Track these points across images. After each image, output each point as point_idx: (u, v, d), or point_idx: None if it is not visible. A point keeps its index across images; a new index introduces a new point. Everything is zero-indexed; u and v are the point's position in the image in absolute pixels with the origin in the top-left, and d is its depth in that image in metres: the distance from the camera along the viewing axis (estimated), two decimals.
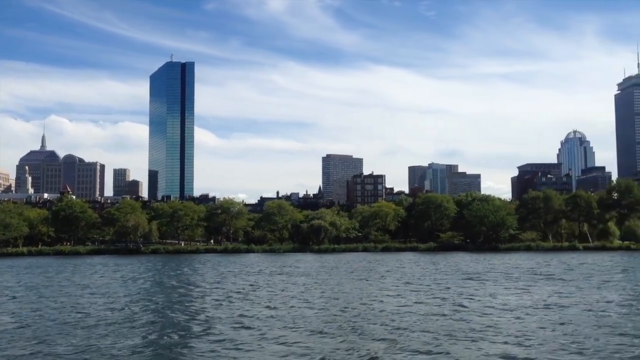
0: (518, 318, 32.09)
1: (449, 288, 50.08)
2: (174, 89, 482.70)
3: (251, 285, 55.31)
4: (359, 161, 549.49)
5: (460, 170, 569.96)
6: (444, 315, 33.77)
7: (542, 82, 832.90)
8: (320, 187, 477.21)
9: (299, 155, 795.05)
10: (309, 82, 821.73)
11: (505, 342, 25.38)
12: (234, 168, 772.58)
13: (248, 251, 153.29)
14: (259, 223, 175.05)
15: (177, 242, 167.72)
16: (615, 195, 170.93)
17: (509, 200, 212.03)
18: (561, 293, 45.12)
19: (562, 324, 30.17)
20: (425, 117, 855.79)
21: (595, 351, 23.49)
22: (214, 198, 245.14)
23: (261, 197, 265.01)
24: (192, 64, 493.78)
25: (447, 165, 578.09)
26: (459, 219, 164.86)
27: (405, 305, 38.05)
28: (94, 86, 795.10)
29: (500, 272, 69.23)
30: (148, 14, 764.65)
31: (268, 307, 38.12)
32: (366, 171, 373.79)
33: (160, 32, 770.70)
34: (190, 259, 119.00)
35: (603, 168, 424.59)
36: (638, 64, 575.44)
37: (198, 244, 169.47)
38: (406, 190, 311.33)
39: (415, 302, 40.00)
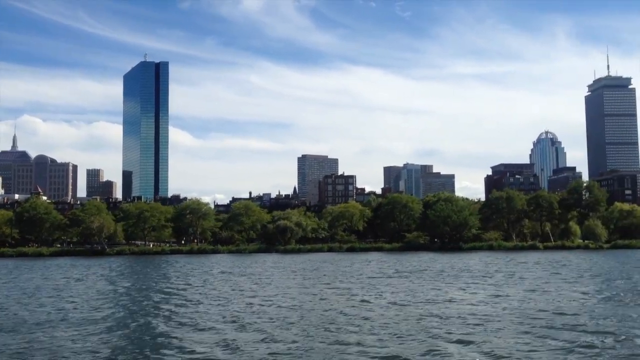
0: (398, 313, 33.52)
1: (373, 285, 52.15)
2: (148, 88, 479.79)
3: (186, 285, 56.12)
4: (335, 161, 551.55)
5: (435, 170, 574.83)
6: (339, 309, 35.87)
7: (516, 83, 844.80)
8: (295, 188, 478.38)
9: (275, 156, 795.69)
10: (285, 83, 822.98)
11: (358, 332, 27.48)
12: (210, 168, 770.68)
13: (214, 252, 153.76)
14: (227, 224, 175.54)
15: (143, 243, 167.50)
16: (575, 195, 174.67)
17: (482, 200, 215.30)
18: (465, 290, 47.40)
19: (441, 317, 31.85)
20: (401, 117, 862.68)
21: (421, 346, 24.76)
22: (185, 199, 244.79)
23: (233, 198, 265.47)
24: (166, 64, 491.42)
25: (421, 165, 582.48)
26: (424, 219, 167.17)
27: (306, 302, 39.63)
28: (67, 86, 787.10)
29: (437, 270, 71.24)
30: (122, 13, 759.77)
31: (184, 304, 39.05)
32: (342, 171, 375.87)
33: (134, 31, 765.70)
34: (150, 260, 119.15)
35: (574, 168, 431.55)
36: (607, 65, 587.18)
37: (164, 245, 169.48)
38: (380, 190, 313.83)
39: (321, 299, 41.92)
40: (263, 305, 38.61)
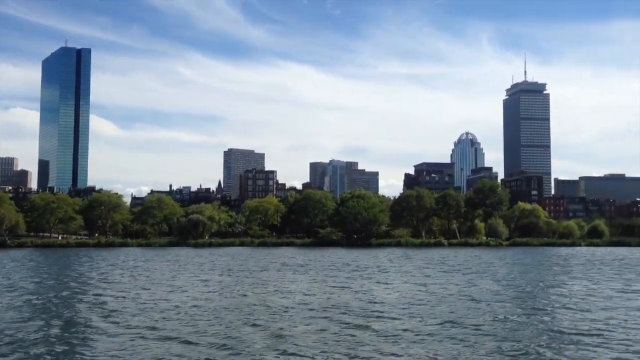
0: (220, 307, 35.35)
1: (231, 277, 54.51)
2: (68, 75, 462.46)
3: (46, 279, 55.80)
4: (261, 156, 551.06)
5: (361, 167, 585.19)
6: (165, 299, 38.29)
7: (442, 85, 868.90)
8: (220, 182, 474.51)
9: (203, 149, 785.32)
10: (216, 75, 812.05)
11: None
12: (136, 160, 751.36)
13: (123, 245, 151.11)
14: (139, 217, 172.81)
15: (49, 235, 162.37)
16: (481, 195, 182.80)
17: None
18: (319, 282, 50.27)
19: (259, 306, 34.35)
20: (331, 114, 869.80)
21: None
22: (100, 190, 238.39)
23: (152, 191, 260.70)
24: (88, 50, 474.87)
25: (347, 162, 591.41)
26: (336, 215, 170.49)
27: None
28: None
29: (324, 265, 73.86)
30: None
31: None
32: (268, 167, 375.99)
33: (56, 14, 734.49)
34: (49, 254, 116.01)
35: (490, 169, 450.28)
36: (525, 71, 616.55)
37: (71, 237, 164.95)
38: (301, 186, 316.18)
39: (169, 292, 43.35)
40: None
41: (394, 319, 30.09)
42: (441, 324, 28.67)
